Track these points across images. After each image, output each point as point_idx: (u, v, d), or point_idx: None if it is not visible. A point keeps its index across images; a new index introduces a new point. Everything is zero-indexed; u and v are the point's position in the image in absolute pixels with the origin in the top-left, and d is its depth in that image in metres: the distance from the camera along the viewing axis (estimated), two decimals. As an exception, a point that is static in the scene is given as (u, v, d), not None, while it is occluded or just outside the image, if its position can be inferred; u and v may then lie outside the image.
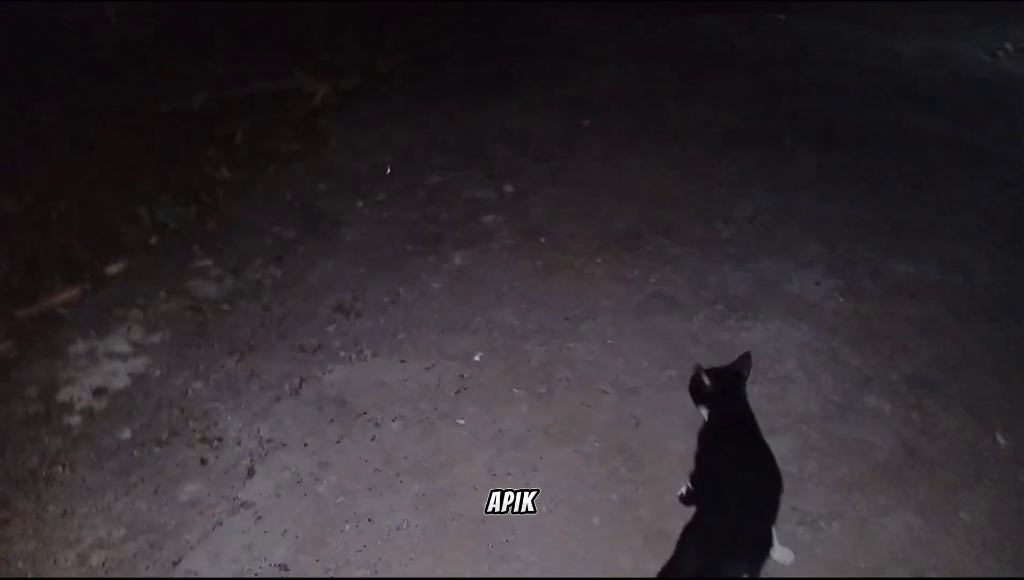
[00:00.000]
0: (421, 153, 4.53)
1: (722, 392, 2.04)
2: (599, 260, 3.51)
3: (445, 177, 4.24)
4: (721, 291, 3.29)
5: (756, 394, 2.55)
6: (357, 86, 5.45)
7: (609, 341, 2.98)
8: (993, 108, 5.45)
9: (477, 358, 2.88)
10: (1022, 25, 7.87)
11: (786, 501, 2.04)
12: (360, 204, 3.95)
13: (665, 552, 1.84)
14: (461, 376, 2.79)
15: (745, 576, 1.71)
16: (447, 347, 2.94)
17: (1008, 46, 7.62)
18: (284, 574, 2.07)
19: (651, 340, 2.99)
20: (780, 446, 2.31)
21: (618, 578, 2.03)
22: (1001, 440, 2.49)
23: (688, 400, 2.16)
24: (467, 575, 2.06)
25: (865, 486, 2.32)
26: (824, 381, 2.79)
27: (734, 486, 1.82)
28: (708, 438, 2.01)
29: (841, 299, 3.25)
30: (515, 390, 2.73)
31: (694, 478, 1.99)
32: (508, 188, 4.12)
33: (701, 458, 1.98)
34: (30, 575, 2.08)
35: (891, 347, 2.95)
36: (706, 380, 2.02)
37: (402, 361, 2.87)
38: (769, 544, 1.82)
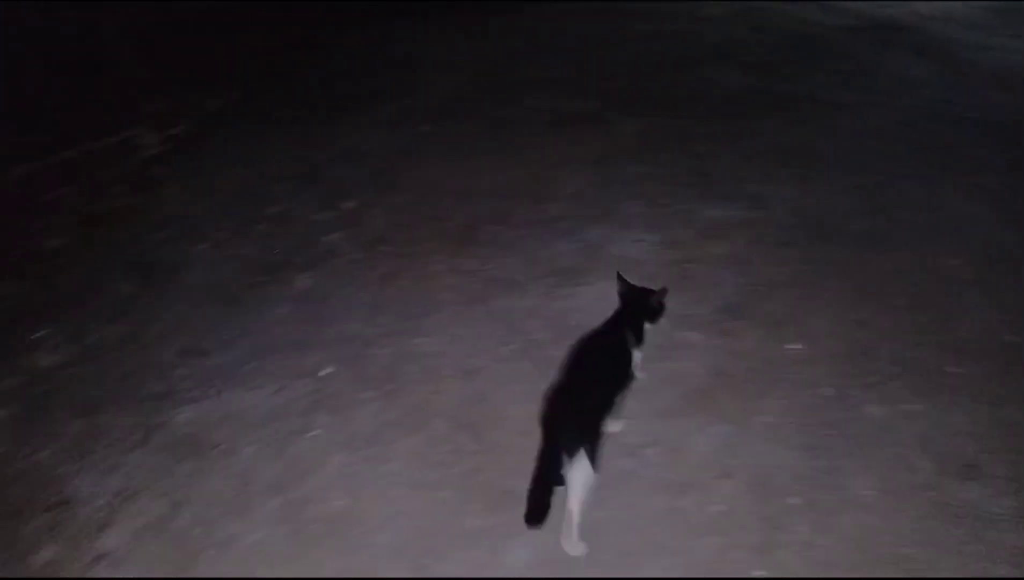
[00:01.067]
0: (259, 186, 4.57)
1: (623, 298, 2.42)
2: (439, 258, 3.67)
3: (285, 206, 4.30)
4: (552, 265, 3.51)
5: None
6: (189, 129, 5.42)
7: (451, 331, 3.14)
8: (795, 55, 5.99)
9: (326, 372, 2.98)
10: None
11: (612, 439, 2.27)
12: (201, 246, 3.96)
13: (510, 508, 2.02)
14: (312, 391, 2.89)
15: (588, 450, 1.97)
16: (296, 367, 3.02)
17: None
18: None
19: (490, 322, 3.17)
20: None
21: (615, 577, 2.08)
22: (794, 346, 2.81)
23: (527, 366, 2.38)
24: (330, 575, 2.17)
25: (680, 411, 2.58)
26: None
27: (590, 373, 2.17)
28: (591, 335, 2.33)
29: (659, 250, 3.54)
30: (364, 393, 2.85)
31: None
32: (349, 205, 4.23)
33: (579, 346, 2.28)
34: None
35: (704, 284, 3.25)
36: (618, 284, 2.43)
37: (252, 390, 2.93)
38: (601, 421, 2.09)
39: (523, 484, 1.98)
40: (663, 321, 2.47)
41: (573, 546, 2.08)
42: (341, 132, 5.20)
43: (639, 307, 2.40)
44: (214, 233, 4.08)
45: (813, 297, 3.11)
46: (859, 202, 3.76)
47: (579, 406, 2.05)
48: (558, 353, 2.29)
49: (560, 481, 1.96)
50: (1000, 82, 5.22)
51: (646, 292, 2.41)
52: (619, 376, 2.26)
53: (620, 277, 2.44)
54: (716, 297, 3.16)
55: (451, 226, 3.95)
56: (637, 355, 2.34)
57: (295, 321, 3.32)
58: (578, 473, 1.97)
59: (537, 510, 1.92)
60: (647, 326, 2.39)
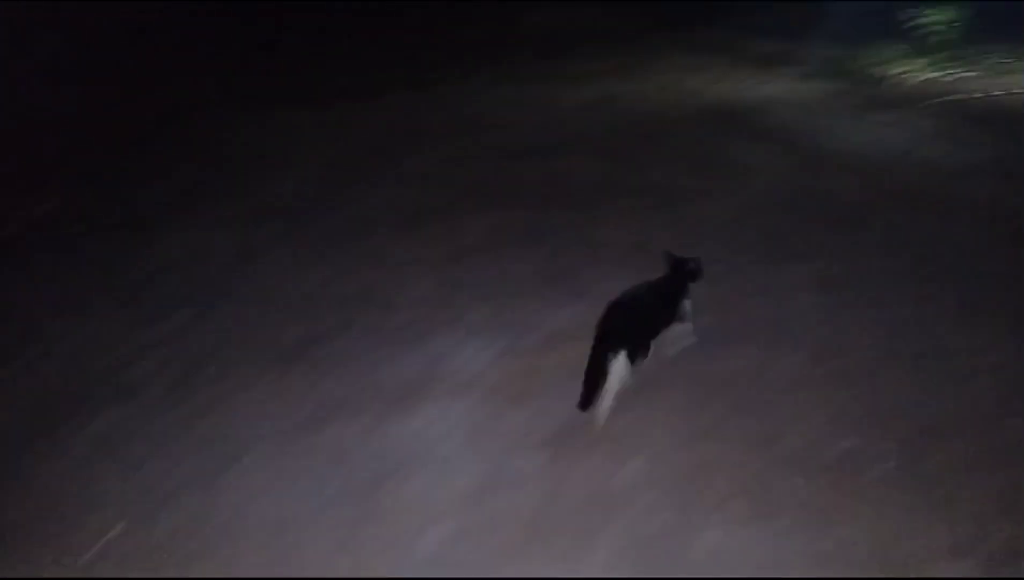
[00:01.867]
0: (78, 300, 4.14)
1: (673, 264, 3.14)
2: (267, 380, 3.36)
3: (103, 323, 3.89)
4: (390, 382, 3.26)
5: (419, 481, 2.57)
6: (8, 237, 4.93)
7: (266, 473, 2.81)
8: (645, 143, 6.10)
9: (115, 532, 2.59)
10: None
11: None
12: (-7, 377, 3.50)
13: None
14: (96, 555, 2.48)
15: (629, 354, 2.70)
16: (81, 527, 2.61)
17: (668, 80, 8.69)
18: None
19: (312, 457, 2.87)
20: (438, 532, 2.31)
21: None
22: (634, 465, 2.65)
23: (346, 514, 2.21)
24: None
25: (506, 555, 2.35)
26: (485, 448, 2.83)
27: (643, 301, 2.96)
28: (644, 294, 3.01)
29: (504, 360, 3.35)
30: (155, 559, 2.47)
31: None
32: (173, 321, 3.87)
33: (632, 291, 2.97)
34: None
35: (546, 397, 3.07)
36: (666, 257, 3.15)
37: (25, 561, 2.50)
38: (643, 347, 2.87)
39: None
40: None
41: (599, 418, 2.75)
42: (178, 235, 4.84)
43: (683, 269, 3.12)
44: (11, 360, 3.62)
45: (657, 406, 2.97)
46: (704, 295, 3.72)
47: (625, 321, 2.78)
48: (385, 496, 2.03)
49: (605, 372, 2.66)
50: (843, 165, 5.43)
51: (687, 260, 3.14)
52: (667, 314, 3.05)
53: (666, 253, 3.18)
54: (558, 412, 2.97)
55: (285, 340, 3.65)
56: (687, 303, 3.12)
57: (88, 467, 2.91)
58: (616, 366, 2.67)
59: (587, 399, 2.68)
60: (690, 284, 3.14)
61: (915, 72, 8.71)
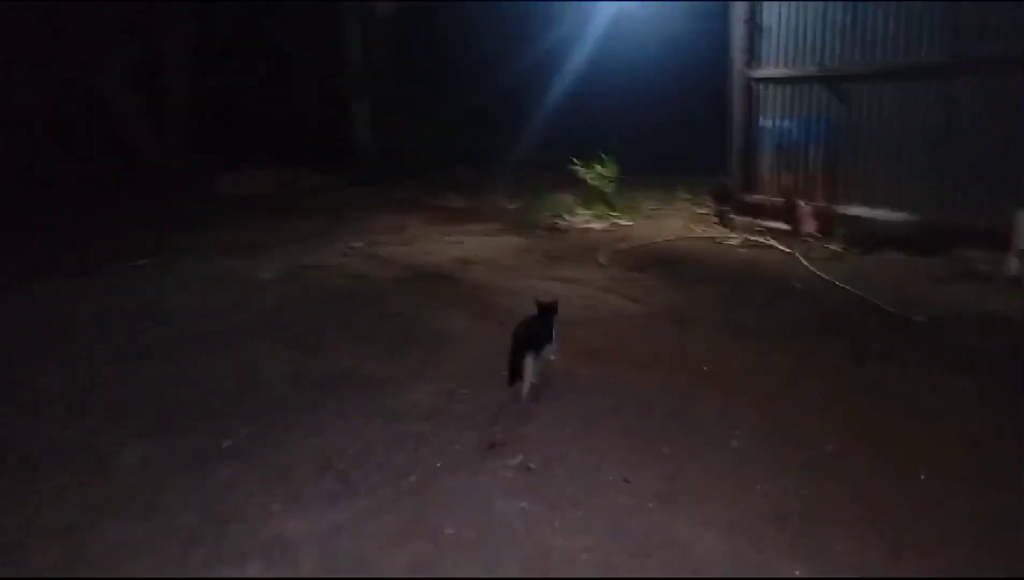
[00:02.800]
0: None
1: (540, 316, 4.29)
2: None
3: None
4: None
5: None
6: None
7: None
8: (343, 318, 5.63)
9: None
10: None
11: None
12: None
13: None
14: None
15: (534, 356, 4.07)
16: None
17: (359, 244, 8.46)
18: None
19: None
20: None
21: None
22: None
23: None
24: None
25: None
26: None
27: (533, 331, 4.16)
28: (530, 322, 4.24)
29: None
30: None
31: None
32: None
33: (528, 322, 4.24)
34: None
35: None
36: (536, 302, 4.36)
37: None
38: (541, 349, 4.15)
39: None
40: None
41: (524, 393, 4.02)
42: None
43: (549, 308, 4.29)
44: None
45: None
46: (395, 525, 3.17)
47: (529, 335, 4.08)
48: None
49: (521, 366, 3.98)
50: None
51: (550, 303, 4.31)
52: (546, 335, 4.20)
53: (536, 300, 4.34)
54: None
55: None
56: (554, 330, 4.28)
57: None
58: (529, 361, 4.00)
59: (513, 375, 4.01)
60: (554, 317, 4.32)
61: (586, 221, 9.57)
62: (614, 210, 10.14)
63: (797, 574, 2.62)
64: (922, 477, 3.17)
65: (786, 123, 8.20)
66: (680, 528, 2.88)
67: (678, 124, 13.98)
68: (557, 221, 9.67)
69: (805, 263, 6.76)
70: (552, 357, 4.37)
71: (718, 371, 4.38)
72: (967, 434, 3.55)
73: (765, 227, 8.28)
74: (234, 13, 15.12)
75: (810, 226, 7.80)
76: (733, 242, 7.84)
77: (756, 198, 8.61)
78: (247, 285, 6.68)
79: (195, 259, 7.73)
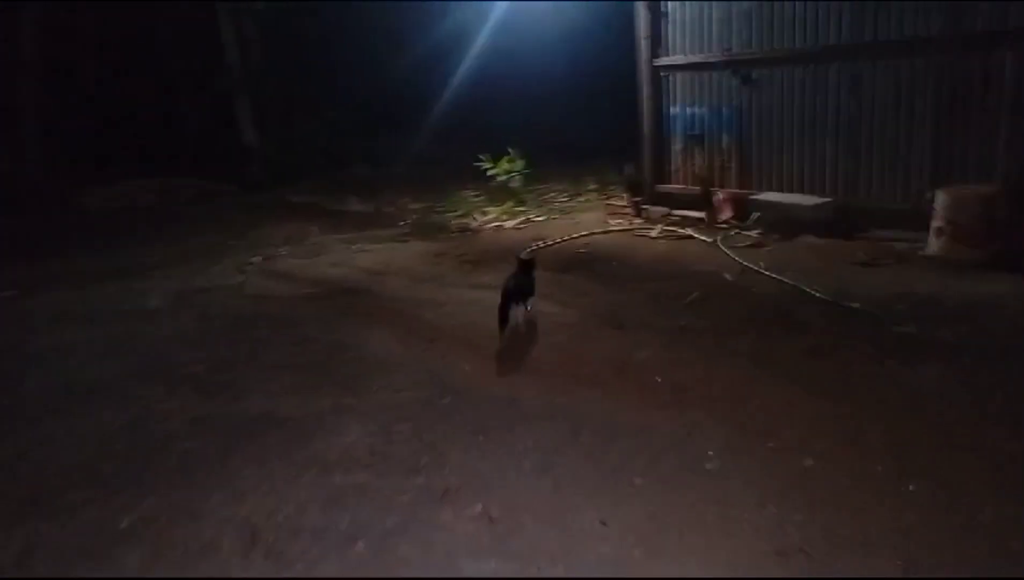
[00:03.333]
0: None
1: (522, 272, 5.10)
2: None
3: None
4: None
5: None
6: None
7: None
8: (250, 348, 5.01)
9: None
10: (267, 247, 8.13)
11: None
12: None
13: None
14: None
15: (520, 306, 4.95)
16: None
17: (256, 258, 7.75)
18: None
19: None
20: None
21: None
22: None
23: None
24: None
25: None
26: None
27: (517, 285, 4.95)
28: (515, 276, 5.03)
29: None
30: None
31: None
32: None
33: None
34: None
35: None
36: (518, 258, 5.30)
37: None
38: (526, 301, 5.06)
39: None
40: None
41: (511, 328, 4.83)
42: None
43: (530, 263, 5.21)
44: None
45: None
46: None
47: (516, 288, 4.86)
48: None
49: (507, 314, 4.73)
50: (471, 347, 5.06)
51: (529, 259, 5.30)
52: (529, 286, 5.08)
53: (518, 257, 5.30)
54: None
55: None
56: (535, 282, 5.18)
57: None
58: (515, 311, 4.83)
59: (503, 322, 4.72)
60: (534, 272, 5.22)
61: (497, 220, 9.22)
62: (524, 206, 9.84)
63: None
64: (911, 488, 3.00)
65: (695, 111, 8.13)
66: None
67: (584, 112, 13.88)
68: (466, 221, 9.26)
69: (728, 253, 6.67)
70: (529, 307, 5.14)
71: (672, 381, 4.12)
72: (950, 433, 3.42)
73: (680, 217, 8.20)
74: (99, 13, 13.74)
75: (726, 214, 7.75)
76: (652, 234, 7.68)
77: (669, 188, 8.52)
78: (133, 317, 5.91)
79: (68, 288, 6.83)
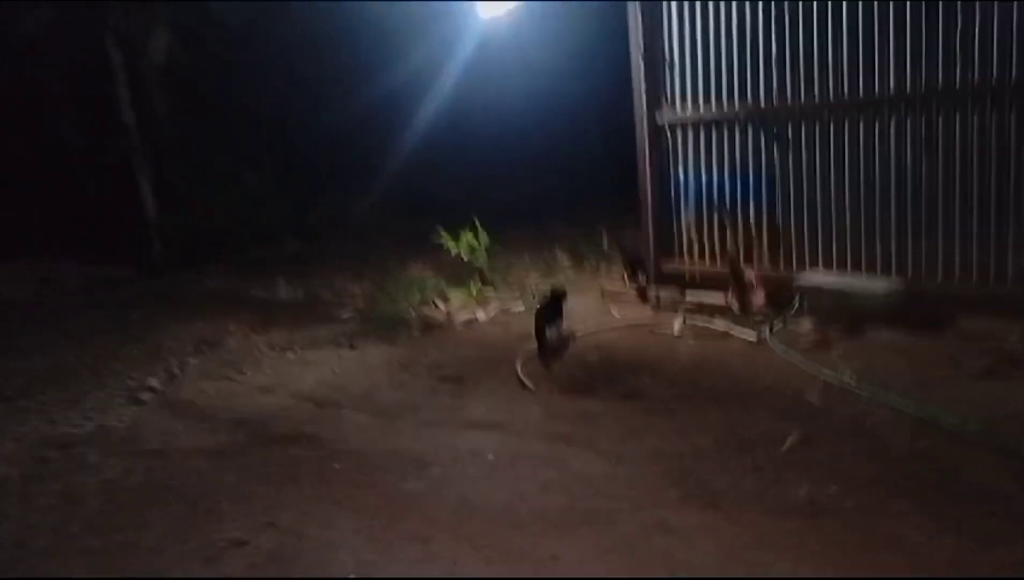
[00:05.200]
0: None
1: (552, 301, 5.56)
2: None
3: None
4: None
5: None
6: None
7: None
8: (102, 547, 3.07)
9: None
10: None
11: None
12: None
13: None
14: None
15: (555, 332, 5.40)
16: None
17: (155, 381, 5.76)
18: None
19: None
20: None
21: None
22: None
23: None
24: None
25: None
26: None
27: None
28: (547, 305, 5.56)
29: None
30: None
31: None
32: None
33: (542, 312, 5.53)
34: None
35: None
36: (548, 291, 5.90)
37: None
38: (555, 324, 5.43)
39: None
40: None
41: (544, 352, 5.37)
42: None
43: (559, 295, 5.59)
44: None
45: None
46: None
47: (548, 315, 5.39)
48: None
49: (543, 335, 5.29)
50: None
51: (560, 290, 5.70)
52: (558, 315, 5.42)
53: (551, 288, 5.87)
54: None
55: None
56: (565, 308, 5.54)
57: None
58: (550, 333, 5.32)
59: (540, 344, 5.32)
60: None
61: (465, 309, 7.50)
62: (493, 288, 8.16)
63: None
64: None
65: (711, 176, 6.69)
66: None
67: (547, 169, 12.45)
68: (429, 313, 7.48)
69: (793, 359, 5.13)
70: (558, 331, 5.39)
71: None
72: None
73: (695, 303, 6.68)
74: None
75: (759, 300, 6.26)
76: (676, 331, 6.09)
77: (680, 267, 7.00)
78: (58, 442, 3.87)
79: None
